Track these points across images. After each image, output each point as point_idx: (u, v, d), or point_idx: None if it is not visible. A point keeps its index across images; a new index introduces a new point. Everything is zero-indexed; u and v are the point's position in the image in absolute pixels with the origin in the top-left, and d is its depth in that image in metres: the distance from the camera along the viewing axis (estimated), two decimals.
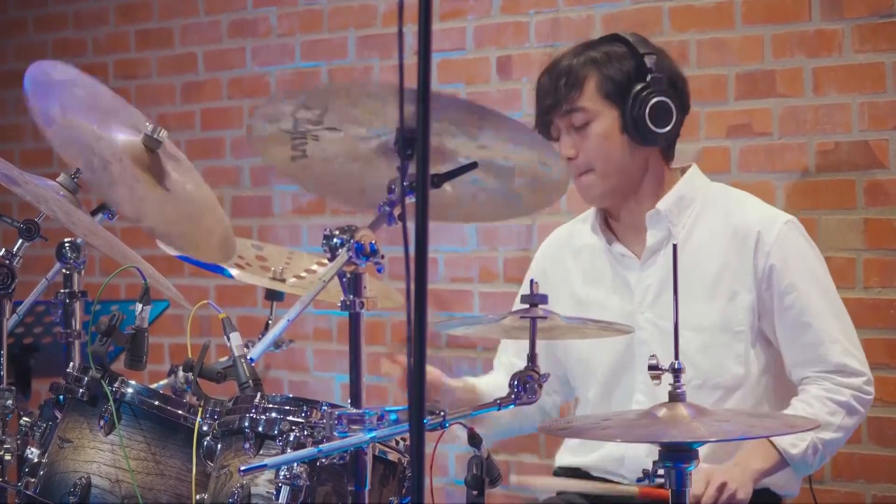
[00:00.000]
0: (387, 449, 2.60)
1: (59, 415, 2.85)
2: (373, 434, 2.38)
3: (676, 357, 2.47)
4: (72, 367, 2.97)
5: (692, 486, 2.81)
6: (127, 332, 2.77)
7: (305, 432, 2.53)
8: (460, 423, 2.48)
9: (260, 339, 3.34)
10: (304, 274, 3.83)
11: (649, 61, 3.05)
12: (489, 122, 2.49)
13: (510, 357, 3.29)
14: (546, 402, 3.27)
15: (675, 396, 2.47)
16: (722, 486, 2.87)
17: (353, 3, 4.72)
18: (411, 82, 1.79)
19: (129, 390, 2.79)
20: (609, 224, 3.18)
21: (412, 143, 2.27)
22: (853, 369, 3.05)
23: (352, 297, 2.42)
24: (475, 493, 2.49)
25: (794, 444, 2.97)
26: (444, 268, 4.49)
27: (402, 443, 2.61)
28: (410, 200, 2.32)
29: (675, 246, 2.55)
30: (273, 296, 3.80)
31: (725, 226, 3.09)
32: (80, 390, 2.81)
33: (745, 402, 3.05)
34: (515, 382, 2.48)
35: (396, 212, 2.45)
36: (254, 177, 4.96)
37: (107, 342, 2.76)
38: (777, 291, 3.04)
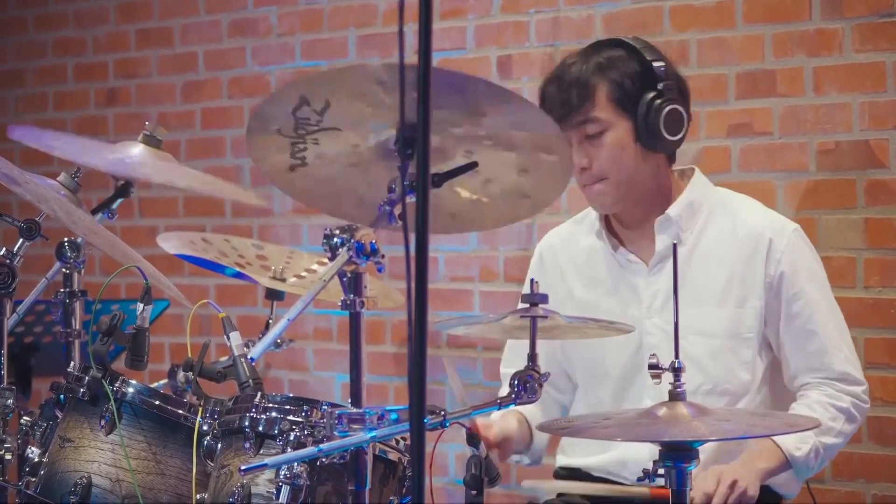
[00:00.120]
0: (387, 448, 2.60)
1: (59, 414, 2.85)
2: (373, 433, 2.38)
3: (677, 356, 2.47)
4: (72, 366, 2.97)
5: (702, 484, 2.83)
6: (127, 332, 2.77)
7: (306, 432, 2.54)
8: (460, 423, 2.48)
9: (260, 338, 3.34)
10: (304, 273, 3.84)
11: (658, 68, 3.03)
12: (492, 104, 2.45)
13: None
14: (565, 401, 3.28)
15: (676, 395, 2.48)
16: (733, 484, 2.88)
17: (353, 2, 4.72)
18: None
19: (130, 390, 2.80)
20: (613, 229, 3.18)
21: (412, 142, 2.27)
22: (854, 378, 3.07)
23: (352, 296, 2.42)
24: (474, 492, 2.49)
25: (798, 447, 2.98)
26: (445, 267, 4.49)
27: (402, 442, 2.62)
28: (411, 200, 2.32)
29: (675, 245, 2.55)
30: (273, 295, 3.80)
31: (734, 232, 3.09)
32: (81, 390, 2.81)
33: (748, 408, 3.06)
34: (516, 382, 2.48)
35: (397, 211, 2.45)
36: (254, 176, 4.96)
37: (107, 341, 2.77)
38: (785, 298, 3.04)
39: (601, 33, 4.05)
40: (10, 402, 2.83)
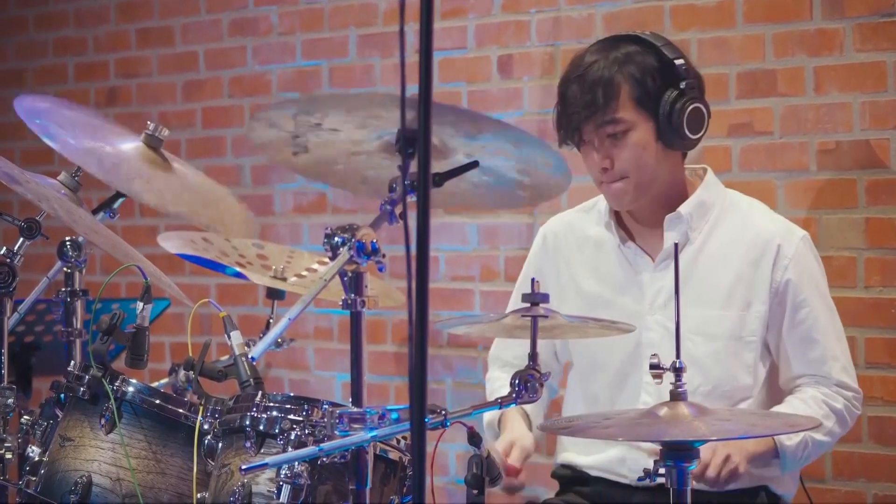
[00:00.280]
0: (388, 448, 2.60)
1: (60, 413, 2.85)
2: (374, 433, 2.38)
3: (678, 356, 2.47)
4: (73, 365, 2.97)
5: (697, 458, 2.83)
6: (128, 331, 2.77)
7: (306, 431, 2.54)
8: (460, 423, 2.48)
9: (261, 337, 3.34)
10: (305, 273, 3.84)
11: (680, 66, 3.02)
12: (486, 126, 2.49)
13: (510, 357, 3.29)
14: (553, 382, 3.33)
15: (677, 395, 2.48)
16: (727, 458, 2.88)
17: (353, 1, 4.72)
18: (412, 81, 1.79)
19: (130, 389, 2.80)
20: (622, 221, 3.17)
21: (413, 142, 2.27)
22: (849, 386, 3.09)
23: (353, 295, 2.42)
24: (475, 492, 2.49)
25: (788, 437, 2.98)
26: (446, 266, 4.49)
27: (402, 442, 2.61)
28: (412, 199, 2.32)
29: (676, 245, 2.55)
30: (274, 294, 3.80)
31: (743, 236, 3.08)
32: (81, 389, 2.81)
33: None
34: (517, 381, 2.48)
35: (398, 210, 2.45)
36: (255, 175, 4.96)
37: (108, 341, 2.77)
38: (791, 305, 3.05)
39: (602, 33, 4.05)
40: (10, 401, 2.83)
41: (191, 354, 2.77)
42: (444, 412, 2.41)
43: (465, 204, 2.83)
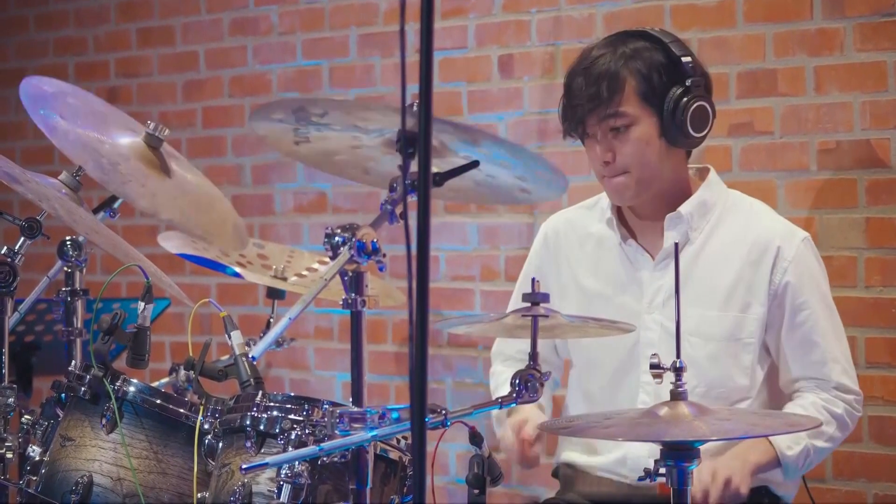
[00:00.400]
0: (388, 447, 2.60)
1: (60, 413, 2.85)
2: (374, 433, 2.38)
3: (678, 355, 2.47)
4: (73, 365, 2.97)
5: (697, 480, 2.83)
6: (128, 331, 2.77)
7: (307, 431, 2.54)
8: (461, 422, 2.48)
9: (261, 337, 3.34)
10: (305, 272, 3.84)
11: (686, 63, 3.02)
12: (484, 138, 2.49)
13: (512, 351, 3.30)
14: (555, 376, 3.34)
15: (677, 395, 2.47)
16: (728, 482, 2.88)
17: (354, 1, 4.72)
18: (413, 81, 1.79)
19: (131, 389, 2.80)
20: (624, 219, 3.17)
21: (413, 142, 2.27)
22: (850, 388, 3.08)
23: (353, 295, 2.42)
24: (476, 491, 2.49)
25: (789, 447, 2.98)
26: (446, 266, 4.49)
27: (403, 441, 2.61)
28: (412, 199, 2.32)
29: (676, 245, 2.55)
30: (274, 294, 3.81)
31: (744, 237, 3.08)
32: (82, 388, 2.81)
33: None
34: (517, 381, 2.48)
35: (398, 210, 2.45)
36: (255, 175, 4.96)
37: (108, 340, 2.77)
38: (790, 307, 3.04)
39: (602, 32, 4.05)
40: (11, 400, 2.83)
41: (191, 354, 2.77)
42: (444, 412, 2.41)
43: (466, 199, 2.84)
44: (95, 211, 3.17)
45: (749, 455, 2.95)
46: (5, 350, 2.86)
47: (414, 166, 2.14)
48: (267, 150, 4.85)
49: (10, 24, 5.63)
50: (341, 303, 2.44)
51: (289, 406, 2.58)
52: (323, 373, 4.81)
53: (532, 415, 3.06)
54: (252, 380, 2.63)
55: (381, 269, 2.44)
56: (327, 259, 2.46)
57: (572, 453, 3.21)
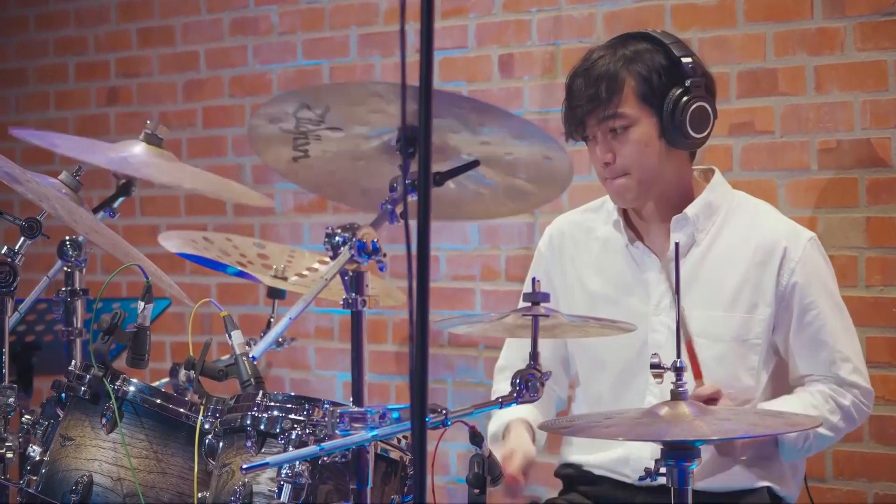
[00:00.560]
0: (388, 447, 2.60)
1: (60, 413, 2.85)
2: (375, 432, 2.38)
3: (678, 355, 2.47)
4: (74, 365, 2.97)
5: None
6: (129, 330, 2.77)
7: (307, 430, 2.54)
8: (462, 422, 2.48)
9: (262, 337, 3.34)
10: (305, 272, 3.84)
11: (686, 64, 3.02)
12: (491, 119, 2.48)
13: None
14: (562, 394, 3.31)
15: (678, 395, 2.47)
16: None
17: (354, 1, 4.72)
18: (413, 80, 1.79)
19: (131, 388, 2.80)
20: (630, 221, 3.17)
21: (414, 141, 2.27)
22: (860, 386, 3.08)
23: (354, 295, 2.42)
24: (477, 491, 2.49)
25: None
26: (446, 266, 4.49)
27: (403, 441, 2.61)
28: (412, 198, 2.32)
29: (676, 245, 2.55)
30: (275, 294, 3.81)
31: (749, 238, 3.07)
32: (82, 388, 2.81)
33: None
34: (518, 381, 2.48)
35: (398, 210, 2.45)
36: (256, 175, 4.96)
37: (108, 340, 2.76)
38: (798, 308, 3.04)
39: (602, 32, 4.05)
40: (11, 400, 2.82)
41: (192, 354, 2.77)
42: (444, 411, 2.41)
43: (467, 215, 2.83)
44: (95, 210, 3.18)
45: None
46: (5, 350, 2.86)
47: (414, 166, 2.15)
48: None
49: (11, 24, 5.63)
50: (342, 302, 2.43)
51: (289, 406, 2.58)
52: (323, 372, 4.81)
53: (524, 447, 3.05)
54: (252, 379, 2.62)
55: (381, 269, 2.44)
56: (328, 259, 2.46)
57: (574, 453, 3.21)
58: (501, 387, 3.31)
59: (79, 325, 3.08)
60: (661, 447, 2.44)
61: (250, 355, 2.64)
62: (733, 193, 3.16)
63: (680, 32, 3.94)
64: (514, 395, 2.48)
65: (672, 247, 3.07)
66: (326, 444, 2.42)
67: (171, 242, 3.72)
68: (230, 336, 2.68)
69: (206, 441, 2.71)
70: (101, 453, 2.77)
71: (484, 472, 2.49)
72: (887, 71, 3.66)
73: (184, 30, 5.17)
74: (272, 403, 2.59)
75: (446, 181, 2.49)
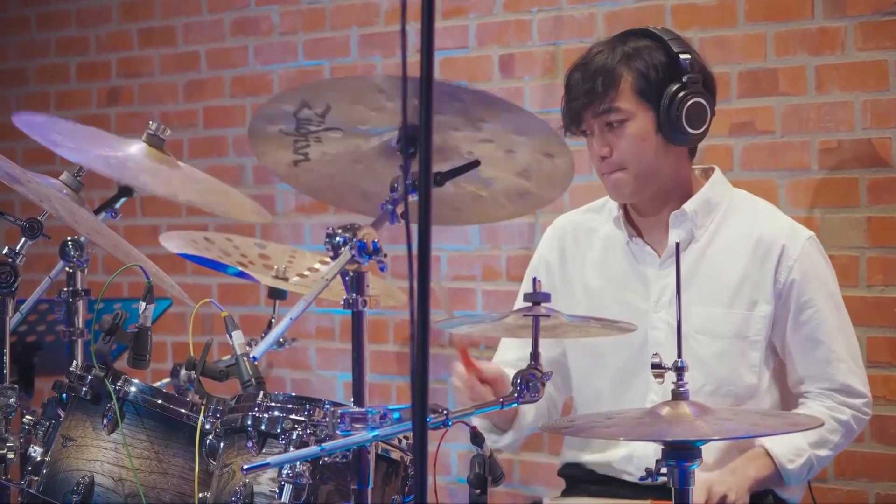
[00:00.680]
0: (389, 447, 2.60)
1: (62, 413, 2.85)
2: (375, 432, 2.38)
3: (679, 355, 2.47)
4: (75, 365, 2.97)
5: (692, 496, 2.82)
6: (130, 331, 2.77)
7: (308, 431, 2.54)
8: (463, 422, 2.48)
9: (263, 337, 3.34)
10: (306, 272, 3.84)
11: (684, 60, 3.03)
12: (492, 113, 2.48)
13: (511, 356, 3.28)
14: (557, 399, 3.28)
15: (679, 395, 2.47)
16: (723, 499, 2.88)
17: (355, 1, 4.72)
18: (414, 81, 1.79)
19: (132, 389, 2.80)
20: (631, 218, 3.17)
21: (415, 141, 2.27)
22: (856, 390, 3.07)
23: (354, 295, 2.42)
24: (478, 491, 2.49)
25: (791, 460, 2.98)
26: (447, 266, 4.49)
27: (404, 441, 2.61)
28: (413, 199, 2.32)
29: (677, 245, 2.55)
30: (276, 294, 3.81)
31: (749, 235, 3.08)
32: (84, 389, 2.81)
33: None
34: (519, 381, 2.48)
35: (399, 210, 2.45)
36: (257, 175, 4.96)
37: (110, 340, 2.77)
38: (795, 305, 3.04)
39: (603, 32, 4.05)
40: (12, 400, 2.82)
41: (192, 354, 2.77)
42: (445, 412, 2.41)
43: (467, 219, 2.83)
44: (97, 211, 3.18)
45: (747, 470, 2.95)
46: (7, 350, 2.86)
47: (414, 166, 2.15)
48: None
49: (12, 24, 5.63)
50: (343, 303, 2.44)
51: (290, 406, 2.58)
52: (324, 373, 4.81)
53: (499, 368, 3.01)
54: (253, 380, 2.62)
55: (382, 269, 2.44)
56: (329, 259, 2.46)
57: (577, 452, 3.21)
58: None
59: (80, 326, 3.08)
60: (663, 447, 2.44)
61: (251, 356, 2.64)
62: (733, 191, 3.17)
63: (680, 32, 3.91)
64: (516, 395, 2.48)
65: (670, 242, 3.08)
66: (327, 445, 2.42)
67: (172, 243, 3.73)
68: (231, 336, 2.68)
69: (207, 441, 2.71)
70: (103, 454, 2.77)
71: (485, 473, 2.49)
72: (888, 71, 3.66)
73: (185, 30, 5.17)
74: (273, 404, 2.59)
75: (447, 181, 2.48)
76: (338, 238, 2.40)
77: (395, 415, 2.39)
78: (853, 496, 3.74)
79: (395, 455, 2.61)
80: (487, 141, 2.51)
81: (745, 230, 3.09)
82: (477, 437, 2.50)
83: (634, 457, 3.09)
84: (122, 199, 3.19)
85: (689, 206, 3.09)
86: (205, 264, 3.77)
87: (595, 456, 3.16)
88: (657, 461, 2.43)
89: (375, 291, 2.51)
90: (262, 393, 2.61)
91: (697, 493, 2.85)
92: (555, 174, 2.59)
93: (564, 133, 3.09)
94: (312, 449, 2.44)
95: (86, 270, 3.09)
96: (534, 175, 2.60)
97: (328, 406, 2.50)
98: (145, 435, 2.77)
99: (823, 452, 3.02)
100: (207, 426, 2.72)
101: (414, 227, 1.76)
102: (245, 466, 2.46)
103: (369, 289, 2.44)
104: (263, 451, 2.58)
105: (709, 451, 2.60)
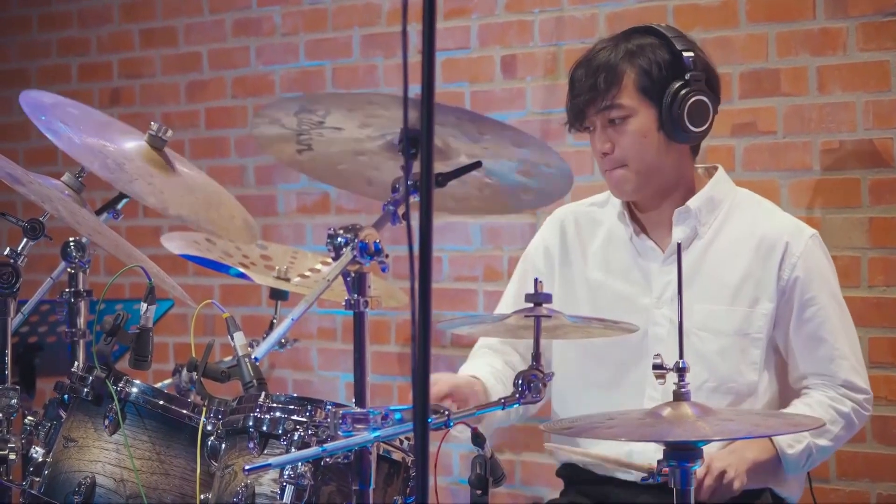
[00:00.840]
0: (391, 448, 2.60)
1: (63, 414, 2.85)
2: (377, 433, 2.38)
3: (681, 356, 2.47)
4: (76, 366, 2.97)
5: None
6: (131, 332, 2.77)
7: (310, 431, 2.53)
8: (464, 423, 2.48)
9: (264, 338, 3.34)
10: (308, 273, 3.84)
11: (687, 58, 3.03)
12: (490, 128, 2.49)
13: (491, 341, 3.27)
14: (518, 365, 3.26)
15: (680, 395, 2.47)
16: (721, 474, 2.88)
17: (357, 2, 4.72)
18: (415, 81, 1.79)
19: (134, 390, 2.80)
20: (634, 215, 3.17)
21: (416, 142, 2.27)
22: (858, 387, 3.07)
23: (356, 296, 2.42)
24: (479, 492, 2.49)
25: (791, 445, 2.98)
26: (449, 267, 4.49)
27: (406, 442, 2.61)
28: (414, 199, 2.32)
29: (678, 245, 2.55)
30: (277, 295, 3.81)
31: (752, 233, 3.08)
32: (85, 390, 2.81)
33: (753, 408, 3.05)
34: (520, 381, 2.48)
35: (401, 211, 2.45)
36: (258, 176, 4.96)
37: (111, 341, 2.77)
38: (798, 303, 3.04)
39: (605, 33, 4.05)
40: (14, 401, 2.83)
41: (194, 355, 2.77)
42: (447, 412, 2.41)
43: (469, 209, 2.84)
44: (98, 212, 3.17)
45: (746, 451, 2.95)
46: (8, 351, 2.86)
47: (416, 167, 2.15)
48: None
49: (13, 25, 5.64)
50: (344, 303, 2.44)
51: (292, 407, 2.58)
52: (326, 373, 4.81)
53: (441, 377, 3.00)
54: (255, 381, 2.63)
55: (383, 270, 2.44)
56: (330, 260, 2.46)
57: (577, 448, 3.20)
58: (474, 362, 3.27)
59: (82, 327, 3.08)
60: (664, 448, 2.44)
61: (253, 356, 2.65)
62: (736, 190, 3.17)
63: None
64: (517, 395, 2.48)
65: (673, 239, 3.08)
66: (329, 446, 2.42)
67: (174, 244, 3.73)
68: (233, 337, 2.68)
69: (209, 442, 2.71)
70: (104, 455, 2.77)
71: (486, 473, 2.49)
72: (890, 71, 3.66)
73: (186, 31, 5.17)
74: (274, 404, 2.59)
75: (448, 182, 2.49)
76: (339, 239, 2.41)
77: (397, 415, 2.39)
78: (855, 497, 3.74)
79: (397, 456, 2.61)
80: (487, 149, 2.51)
81: (748, 228, 3.10)
82: (478, 438, 2.50)
83: (635, 453, 3.08)
84: (124, 200, 3.19)
85: (692, 203, 3.09)
86: (206, 265, 3.77)
87: (595, 451, 3.15)
88: (658, 461, 2.44)
89: (377, 292, 2.51)
90: (263, 394, 2.61)
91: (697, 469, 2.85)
92: (553, 180, 2.60)
93: (568, 129, 3.11)
94: (314, 450, 2.44)
95: (87, 271, 3.09)
96: (534, 178, 2.61)
97: (330, 407, 2.50)
98: (147, 436, 2.77)
99: (823, 442, 3.01)
100: (209, 427, 2.72)
101: (415, 228, 1.76)
102: (247, 467, 2.46)
103: (371, 289, 2.44)
104: (265, 451, 2.57)
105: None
